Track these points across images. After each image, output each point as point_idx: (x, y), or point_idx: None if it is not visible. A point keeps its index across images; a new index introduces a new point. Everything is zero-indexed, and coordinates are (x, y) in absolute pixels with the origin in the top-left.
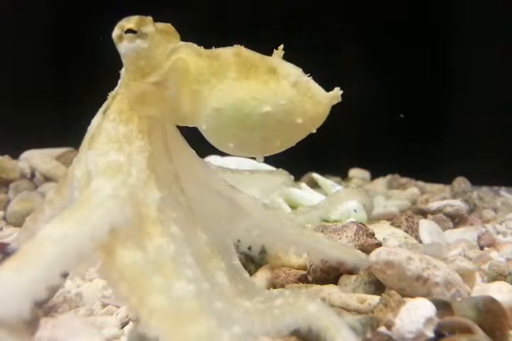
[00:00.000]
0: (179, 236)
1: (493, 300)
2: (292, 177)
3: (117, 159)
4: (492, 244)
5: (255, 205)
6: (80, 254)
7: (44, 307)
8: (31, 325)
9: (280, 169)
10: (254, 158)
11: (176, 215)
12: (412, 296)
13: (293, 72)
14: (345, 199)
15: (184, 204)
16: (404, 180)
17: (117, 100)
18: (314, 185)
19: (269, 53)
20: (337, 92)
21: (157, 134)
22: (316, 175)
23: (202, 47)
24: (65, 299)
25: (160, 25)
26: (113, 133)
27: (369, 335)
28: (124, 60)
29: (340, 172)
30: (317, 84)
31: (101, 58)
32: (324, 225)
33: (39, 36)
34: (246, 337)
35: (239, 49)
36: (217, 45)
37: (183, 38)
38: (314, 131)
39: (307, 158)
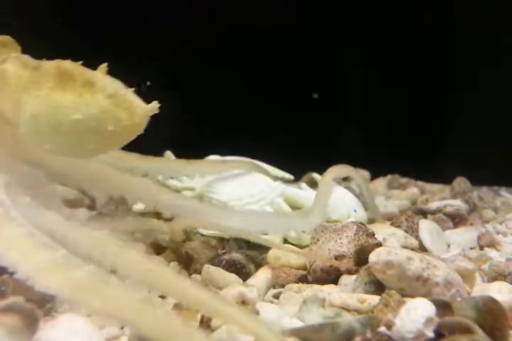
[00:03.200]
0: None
1: (493, 300)
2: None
3: None
4: (492, 244)
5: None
6: None
7: (44, 307)
8: (31, 325)
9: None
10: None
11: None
12: (412, 296)
13: (111, 85)
14: (329, 182)
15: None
16: (404, 180)
17: None
18: (314, 185)
19: None
20: (154, 105)
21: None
22: (316, 175)
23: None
24: None
25: None
26: None
27: (369, 335)
28: None
29: None
30: (136, 97)
31: None
32: (324, 225)
33: None
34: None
35: (61, 62)
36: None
37: None
38: (133, 137)
39: (307, 158)
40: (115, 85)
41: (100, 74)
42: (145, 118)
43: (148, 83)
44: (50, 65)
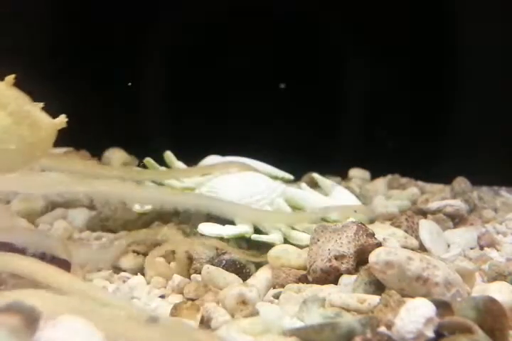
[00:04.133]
0: None
1: (493, 300)
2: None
3: None
4: (492, 244)
5: None
6: None
7: None
8: (31, 325)
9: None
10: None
11: None
12: (412, 296)
13: (12, 101)
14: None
15: None
16: (404, 180)
17: None
18: (314, 185)
19: None
20: (62, 119)
21: None
22: (316, 175)
23: None
24: None
25: None
26: None
27: (369, 335)
28: None
29: (341, 173)
30: (41, 112)
31: None
32: (324, 225)
33: None
34: None
35: None
36: None
37: None
38: (42, 153)
39: (307, 158)
40: (17, 101)
41: (2, 87)
42: (52, 134)
43: (130, 84)
44: None
